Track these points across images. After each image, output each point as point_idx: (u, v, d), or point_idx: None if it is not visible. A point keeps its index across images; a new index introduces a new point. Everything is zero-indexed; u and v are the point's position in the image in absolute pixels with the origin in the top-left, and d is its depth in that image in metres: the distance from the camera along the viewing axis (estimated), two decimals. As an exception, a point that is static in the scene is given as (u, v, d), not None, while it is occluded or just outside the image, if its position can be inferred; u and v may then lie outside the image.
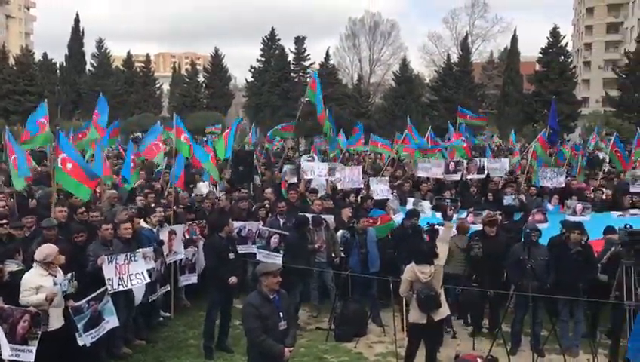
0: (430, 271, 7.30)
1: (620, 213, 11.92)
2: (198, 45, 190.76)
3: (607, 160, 18.89)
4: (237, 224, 10.56)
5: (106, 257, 7.61)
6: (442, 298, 7.43)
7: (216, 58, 63.22)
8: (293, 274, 9.39)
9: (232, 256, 8.60)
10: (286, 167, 16.41)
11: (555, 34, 52.28)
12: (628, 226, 8.44)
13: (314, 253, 9.88)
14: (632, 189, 13.48)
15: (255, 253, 10.40)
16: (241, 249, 10.12)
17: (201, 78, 64.62)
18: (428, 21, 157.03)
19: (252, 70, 61.53)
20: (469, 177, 15.04)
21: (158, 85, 65.72)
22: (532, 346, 8.47)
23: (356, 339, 8.99)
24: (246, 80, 63.35)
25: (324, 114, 15.95)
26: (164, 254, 9.38)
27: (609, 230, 9.21)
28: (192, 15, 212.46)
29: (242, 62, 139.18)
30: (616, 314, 8.06)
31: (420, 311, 7.28)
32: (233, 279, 8.28)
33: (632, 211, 11.97)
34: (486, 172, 15.20)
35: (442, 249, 7.68)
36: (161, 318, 9.80)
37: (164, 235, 9.49)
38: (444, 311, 7.52)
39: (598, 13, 75.86)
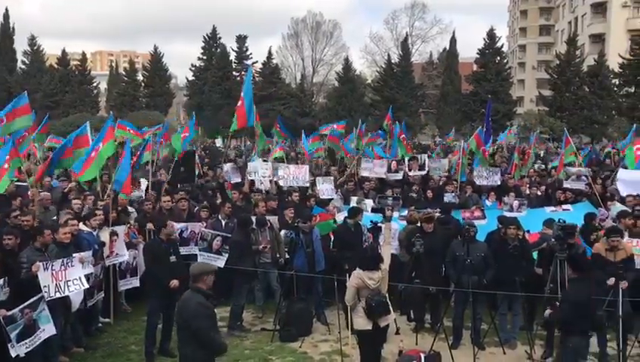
0: (378, 276, 7.06)
1: (553, 208, 12.42)
2: (136, 43, 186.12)
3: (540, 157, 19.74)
4: (179, 225, 10.39)
5: (41, 264, 7.28)
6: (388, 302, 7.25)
7: (156, 56, 61.84)
8: (240, 274, 9.32)
9: (173, 258, 8.42)
10: (226, 166, 16.17)
11: (491, 35, 53.90)
12: (561, 221, 8.80)
13: (258, 254, 9.83)
14: (566, 185, 14.06)
15: (196, 255, 10.24)
16: (183, 250, 9.95)
17: (140, 77, 63.03)
18: (370, 22, 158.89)
19: (193, 69, 60.57)
20: (411, 173, 15.37)
21: (95, 84, 63.59)
22: (473, 340, 8.68)
23: (301, 339, 8.99)
24: (187, 79, 62.33)
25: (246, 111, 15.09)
26: (106, 256, 9.10)
27: (548, 222, 9.60)
28: (130, 13, 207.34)
29: (183, 61, 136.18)
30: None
31: (367, 318, 7.01)
32: (174, 282, 8.09)
33: (564, 206, 12.48)
34: (427, 169, 15.58)
35: (386, 252, 7.60)
36: (100, 324, 9.49)
37: (104, 237, 9.21)
38: (391, 316, 7.41)
39: (531, 16, 78.87)
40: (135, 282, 9.96)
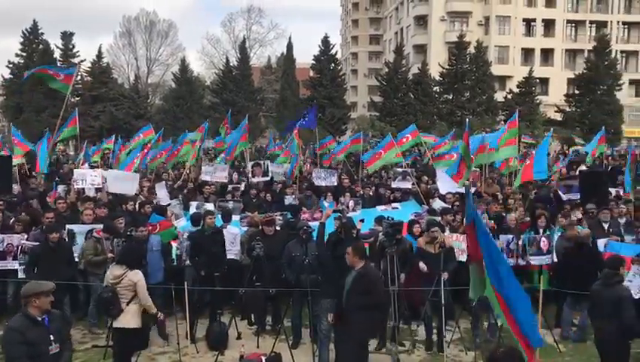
0: (121, 273, 6.89)
1: (384, 206, 13.21)
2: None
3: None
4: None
5: None
6: (128, 309, 6.99)
7: (-35, 50, 55.23)
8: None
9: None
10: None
11: (326, 43, 55.78)
12: (390, 218, 9.35)
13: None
14: (393, 185, 15.00)
15: (16, 270, 9.29)
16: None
17: (-58, 73, 55.78)
18: (207, 23, 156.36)
19: (10, 66, 54.94)
20: (254, 180, 15.41)
21: None
22: (312, 338, 8.87)
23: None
24: (2, 77, 56.36)
25: None
26: None
27: (378, 219, 10.14)
28: None
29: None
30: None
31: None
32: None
33: (394, 205, 13.32)
34: (270, 175, 15.72)
35: None
36: None
37: None
38: (122, 319, 7.05)
39: (362, 25, 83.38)
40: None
